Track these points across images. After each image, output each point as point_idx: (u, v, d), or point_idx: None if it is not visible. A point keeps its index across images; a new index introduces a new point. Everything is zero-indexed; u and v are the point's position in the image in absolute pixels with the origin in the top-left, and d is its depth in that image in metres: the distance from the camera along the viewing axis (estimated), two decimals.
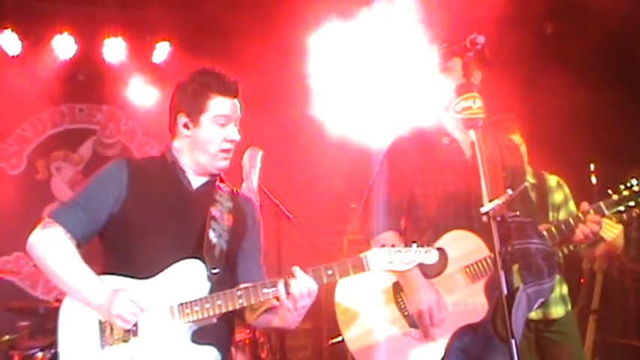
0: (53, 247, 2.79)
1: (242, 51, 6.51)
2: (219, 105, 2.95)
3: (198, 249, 2.83)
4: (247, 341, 5.49)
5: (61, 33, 6.98)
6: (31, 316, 5.46)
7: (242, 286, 2.81)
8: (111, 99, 7.69)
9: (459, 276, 3.24)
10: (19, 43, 6.93)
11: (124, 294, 2.68)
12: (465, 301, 3.21)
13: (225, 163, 3.00)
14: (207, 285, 2.80)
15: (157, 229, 2.86)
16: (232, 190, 3.11)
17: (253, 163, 4.52)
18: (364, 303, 3.38)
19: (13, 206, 6.63)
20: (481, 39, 2.70)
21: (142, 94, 7.43)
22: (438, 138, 3.43)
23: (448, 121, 3.43)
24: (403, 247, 2.78)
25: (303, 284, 2.72)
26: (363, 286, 3.39)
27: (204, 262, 2.81)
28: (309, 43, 4.49)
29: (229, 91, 2.98)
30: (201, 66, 3.07)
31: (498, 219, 2.57)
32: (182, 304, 2.75)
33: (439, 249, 3.01)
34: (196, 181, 3.02)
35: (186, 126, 2.97)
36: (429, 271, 3.20)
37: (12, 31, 6.84)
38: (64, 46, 7.05)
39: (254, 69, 6.86)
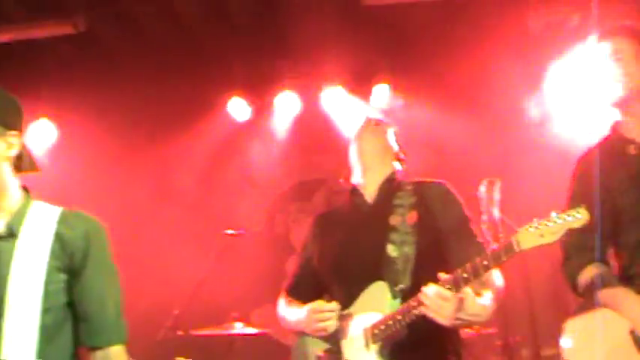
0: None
1: (464, 82, 6.45)
2: None
3: (379, 270, 2.94)
4: None
5: (282, 91, 7.27)
6: None
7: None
8: (336, 147, 7.89)
9: None
10: (248, 109, 7.36)
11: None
12: None
13: None
14: (396, 302, 2.87)
15: (343, 265, 3.10)
16: (416, 182, 3.19)
17: (491, 195, 4.40)
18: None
19: (259, 261, 7.02)
20: None
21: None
22: (621, 148, 2.92)
23: (629, 125, 2.93)
24: (550, 217, 2.64)
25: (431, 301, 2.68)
26: (593, 340, 2.78)
27: (387, 282, 2.92)
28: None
29: None
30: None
31: None
32: (369, 326, 2.89)
33: None
34: (372, 196, 3.25)
35: None
36: None
37: (240, 97, 7.26)
38: (288, 103, 7.34)
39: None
